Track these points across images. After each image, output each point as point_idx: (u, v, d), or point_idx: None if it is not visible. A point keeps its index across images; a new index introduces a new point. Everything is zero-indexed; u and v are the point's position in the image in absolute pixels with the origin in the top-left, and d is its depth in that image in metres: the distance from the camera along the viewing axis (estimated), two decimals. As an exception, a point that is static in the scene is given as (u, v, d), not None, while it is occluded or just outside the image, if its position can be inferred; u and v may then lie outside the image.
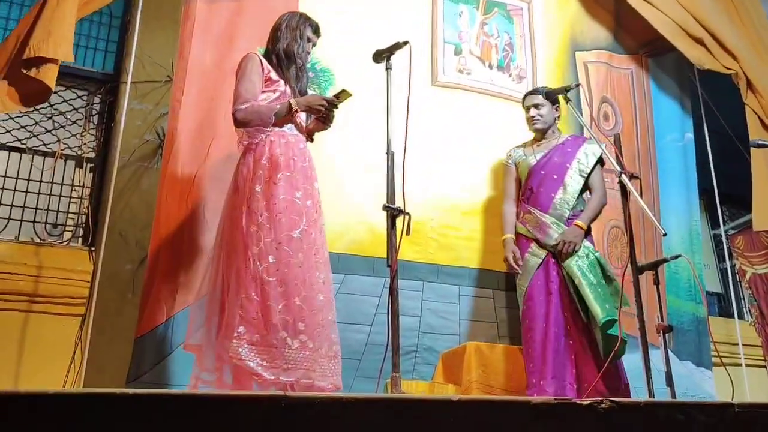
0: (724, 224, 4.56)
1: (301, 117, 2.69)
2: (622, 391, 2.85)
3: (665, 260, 2.62)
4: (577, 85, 3.15)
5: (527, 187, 3.29)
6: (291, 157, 2.50)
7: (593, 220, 3.16)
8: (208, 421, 1.09)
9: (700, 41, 3.85)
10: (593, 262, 3.02)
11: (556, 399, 1.26)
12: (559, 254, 3.07)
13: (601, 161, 3.26)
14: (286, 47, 2.66)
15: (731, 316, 4.37)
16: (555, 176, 3.22)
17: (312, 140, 2.73)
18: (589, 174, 3.21)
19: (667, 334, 2.50)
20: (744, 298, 5.00)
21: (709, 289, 5.07)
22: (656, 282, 2.56)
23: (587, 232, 3.13)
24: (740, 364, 3.91)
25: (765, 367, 4.43)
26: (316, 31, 2.78)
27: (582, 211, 3.15)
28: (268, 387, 2.21)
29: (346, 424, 1.17)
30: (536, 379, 2.93)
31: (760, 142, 3.06)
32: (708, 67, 3.89)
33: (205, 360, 2.42)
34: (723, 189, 4.15)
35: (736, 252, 4.80)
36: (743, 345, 4.02)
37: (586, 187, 3.22)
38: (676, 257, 2.65)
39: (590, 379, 2.84)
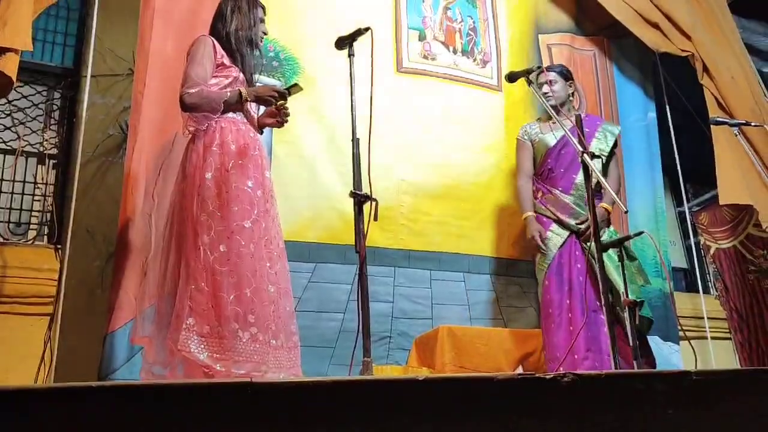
0: (688, 201, 4.66)
1: (252, 107, 2.64)
2: (651, 365, 2.93)
3: (628, 237, 2.66)
4: (539, 68, 3.18)
5: (546, 166, 3.33)
6: (242, 144, 2.45)
7: (614, 202, 3.20)
8: (173, 411, 1.09)
9: (656, 25, 3.90)
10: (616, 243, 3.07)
11: (519, 375, 1.28)
12: (582, 234, 3.13)
13: (616, 142, 3.31)
14: (243, 32, 2.60)
15: (698, 290, 4.48)
16: (575, 157, 3.26)
17: (261, 132, 2.69)
18: (608, 155, 3.26)
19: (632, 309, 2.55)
20: (709, 273, 5.12)
21: (676, 265, 5.19)
22: (621, 259, 2.62)
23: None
24: (706, 337, 4.02)
25: (729, 338, 4.56)
26: (264, 11, 2.74)
27: (600, 192, 3.17)
28: None
29: (313, 408, 1.18)
30: (562, 353, 2.96)
31: (718, 119, 3.13)
32: (664, 50, 3.96)
33: (156, 353, 2.36)
34: (686, 167, 4.23)
35: (700, 228, 4.91)
36: (709, 318, 4.13)
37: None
38: (639, 234, 2.70)
39: (623, 354, 2.89)
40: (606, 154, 3.27)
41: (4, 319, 3.11)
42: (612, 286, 2.94)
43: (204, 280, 2.24)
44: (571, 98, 3.38)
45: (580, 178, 3.20)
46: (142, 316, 2.56)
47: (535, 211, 3.28)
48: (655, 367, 2.98)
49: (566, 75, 3.35)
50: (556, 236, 3.18)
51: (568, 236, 3.17)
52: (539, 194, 3.30)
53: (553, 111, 2.98)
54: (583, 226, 3.13)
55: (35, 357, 2.94)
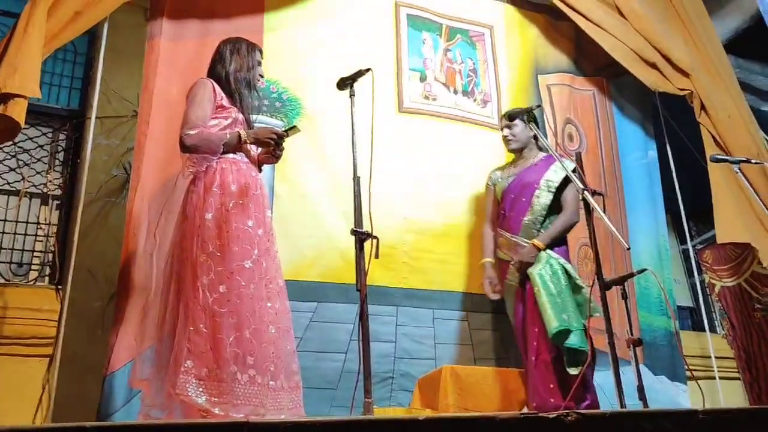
0: (691, 239, 4.64)
1: (252, 147, 2.66)
2: (591, 406, 2.88)
3: (632, 275, 2.63)
4: (539, 107, 3.22)
5: (500, 210, 3.36)
6: (243, 184, 2.46)
7: (555, 238, 3.15)
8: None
9: (653, 65, 3.96)
10: (557, 271, 3.03)
11: (522, 414, 1.26)
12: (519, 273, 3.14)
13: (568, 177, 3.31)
14: (242, 74, 2.65)
15: (704, 329, 4.42)
16: (523, 199, 3.26)
17: (260, 170, 2.70)
18: (558, 189, 3.21)
19: (637, 348, 2.51)
20: (715, 311, 5.06)
21: (681, 303, 5.14)
22: (624, 296, 2.58)
23: (560, 244, 3.16)
24: (714, 377, 3.95)
25: (738, 378, 4.47)
26: (261, 54, 2.79)
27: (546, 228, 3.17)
28: None
29: (311, 448, 1.16)
30: (530, 399, 2.98)
31: (718, 156, 3.14)
32: (662, 90, 4.01)
33: (155, 396, 2.32)
34: (689, 204, 4.23)
35: (704, 266, 4.86)
36: (717, 358, 4.07)
37: (558, 204, 3.23)
38: (642, 271, 2.67)
39: (543, 389, 2.89)
40: (554, 186, 3.21)
41: (3, 360, 3.09)
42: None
43: (203, 322, 2.22)
44: (533, 140, 3.35)
45: (527, 218, 3.21)
46: (141, 357, 2.53)
47: (497, 257, 3.30)
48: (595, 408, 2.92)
49: (527, 118, 3.23)
50: (510, 284, 3.20)
51: (522, 279, 3.14)
52: (499, 239, 3.32)
53: (551, 148, 3.00)
54: (515, 266, 3.14)
55: (33, 399, 2.91)
